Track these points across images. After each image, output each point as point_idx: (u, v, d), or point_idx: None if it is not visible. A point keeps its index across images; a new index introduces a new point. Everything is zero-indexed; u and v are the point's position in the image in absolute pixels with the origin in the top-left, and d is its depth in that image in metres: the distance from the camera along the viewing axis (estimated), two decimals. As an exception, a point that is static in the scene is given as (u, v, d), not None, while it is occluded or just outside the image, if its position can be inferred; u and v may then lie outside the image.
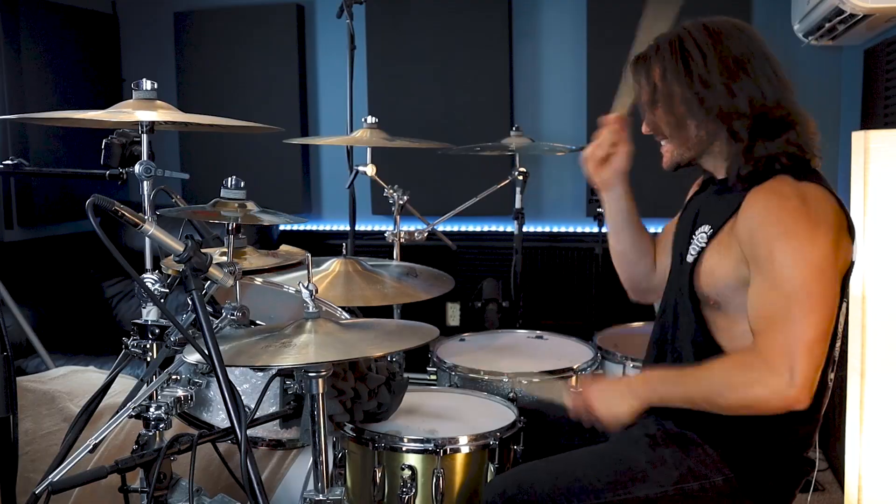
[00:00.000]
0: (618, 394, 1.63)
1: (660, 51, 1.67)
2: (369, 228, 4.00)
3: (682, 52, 1.64)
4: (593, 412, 1.64)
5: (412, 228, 2.62)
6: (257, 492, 1.27)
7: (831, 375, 1.61)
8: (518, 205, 3.07)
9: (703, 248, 1.63)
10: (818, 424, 1.64)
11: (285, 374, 1.70)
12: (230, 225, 1.63)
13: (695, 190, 1.87)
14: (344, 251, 2.24)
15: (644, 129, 1.75)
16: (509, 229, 3.10)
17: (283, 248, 1.91)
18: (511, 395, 2.19)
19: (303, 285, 1.56)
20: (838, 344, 1.60)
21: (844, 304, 1.59)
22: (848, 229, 1.55)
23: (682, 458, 1.61)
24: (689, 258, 1.66)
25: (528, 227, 3.72)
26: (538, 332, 2.61)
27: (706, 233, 1.64)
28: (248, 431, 1.39)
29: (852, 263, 1.57)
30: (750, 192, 1.57)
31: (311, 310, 1.55)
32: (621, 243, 1.95)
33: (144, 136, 1.54)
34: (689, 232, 1.70)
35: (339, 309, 1.93)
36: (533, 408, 2.01)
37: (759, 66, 1.66)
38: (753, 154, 1.59)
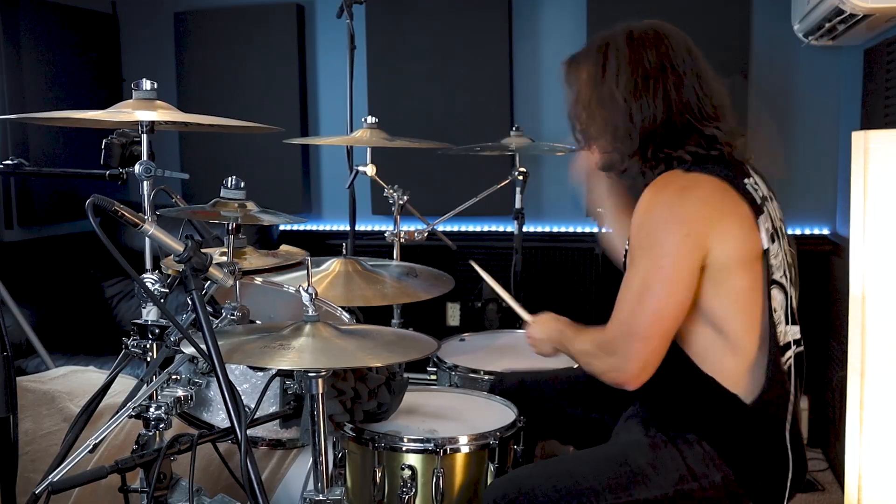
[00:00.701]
0: (549, 339, 1.87)
1: (572, 61, 1.79)
2: (369, 228, 4.00)
3: (604, 60, 1.73)
4: (539, 350, 1.92)
5: (412, 228, 2.62)
6: (257, 492, 1.27)
7: (784, 358, 1.64)
8: (518, 205, 3.07)
9: (626, 253, 1.70)
10: (789, 405, 1.64)
11: (285, 374, 1.70)
12: (230, 225, 1.63)
13: None
14: (344, 251, 2.25)
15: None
16: (509, 229, 3.10)
17: (283, 248, 1.92)
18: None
19: (302, 288, 1.56)
20: (780, 329, 1.63)
21: (773, 289, 1.62)
22: (753, 217, 1.59)
23: (680, 458, 1.61)
24: (623, 267, 1.74)
25: (528, 227, 3.72)
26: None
27: (628, 241, 1.69)
28: (248, 431, 1.39)
29: (765, 251, 1.60)
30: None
31: (310, 313, 1.55)
32: None
33: (144, 136, 1.54)
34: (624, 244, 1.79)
35: (340, 309, 1.93)
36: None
37: (670, 77, 1.67)
38: (651, 160, 1.66)
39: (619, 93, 1.66)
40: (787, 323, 1.65)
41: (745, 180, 1.65)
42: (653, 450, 1.64)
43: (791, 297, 1.67)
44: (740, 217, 1.59)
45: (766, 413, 1.62)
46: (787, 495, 1.66)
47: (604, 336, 1.63)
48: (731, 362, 1.60)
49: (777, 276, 1.63)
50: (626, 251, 1.69)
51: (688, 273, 1.56)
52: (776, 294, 1.63)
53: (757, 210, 1.62)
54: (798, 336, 1.69)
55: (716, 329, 1.59)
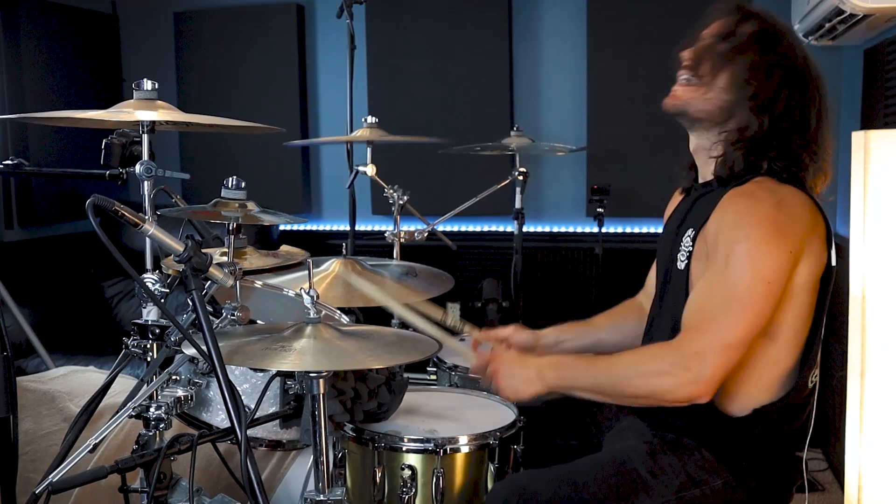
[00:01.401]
0: (526, 378, 1.65)
1: (766, 21, 1.65)
2: (369, 228, 4.00)
3: (787, 50, 1.64)
4: (498, 388, 1.69)
5: (412, 228, 2.62)
6: (257, 492, 1.27)
7: (812, 377, 1.63)
8: (518, 205, 3.07)
9: (690, 252, 1.63)
10: (808, 424, 1.65)
11: (285, 374, 1.70)
12: (230, 225, 1.63)
13: (672, 207, 1.87)
14: (344, 251, 2.24)
15: (686, 55, 1.68)
16: (509, 229, 3.11)
17: (284, 248, 1.91)
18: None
19: (304, 290, 1.56)
20: (819, 348, 1.62)
21: (825, 307, 1.61)
22: (826, 235, 1.58)
23: (680, 465, 1.61)
24: (681, 265, 1.65)
25: (528, 227, 3.72)
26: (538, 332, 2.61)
27: (690, 236, 1.64)
28: (248, 431, 1.39)
29: (829, 267, 1.59)
30: (728, 191, 1.58)
31: (311, 315, 1.55)
32: (606, 346, 1.96)
33: (145, 136, 1.54)
34: (676, 240, 1.69)
35: (338, 311, 1.93)
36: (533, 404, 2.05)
37: (815, 102, 1.70)
38: (747, 152, 1.60)
39: (777, 73, 1.61)
40: (821, 343, 1.65)
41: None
42: (651, 457, 1.63)
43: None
44: (820, 236, 1.58)
45: (785, 422, 1.61)
46: (793, 496, 1.66)
47: (681, 347, 1.51)
48: (764, 362, 1.58)
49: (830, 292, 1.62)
50: (691, 248, 1.62)
51: (781, 291, 1.53)
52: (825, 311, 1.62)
53: (829, 227, 1.61)
54: (819, 359, 1.67)
55: (767, 338, 1.57)
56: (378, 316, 2.20)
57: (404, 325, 2.55)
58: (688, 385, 1.49)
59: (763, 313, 1.52)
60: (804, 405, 1.63)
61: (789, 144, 1.61)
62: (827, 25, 2.77)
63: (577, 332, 1.99)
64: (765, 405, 1.58)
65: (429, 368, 2.44)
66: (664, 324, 1.68)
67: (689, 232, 1.64)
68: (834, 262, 1.60)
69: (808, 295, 1.57)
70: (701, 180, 1.74)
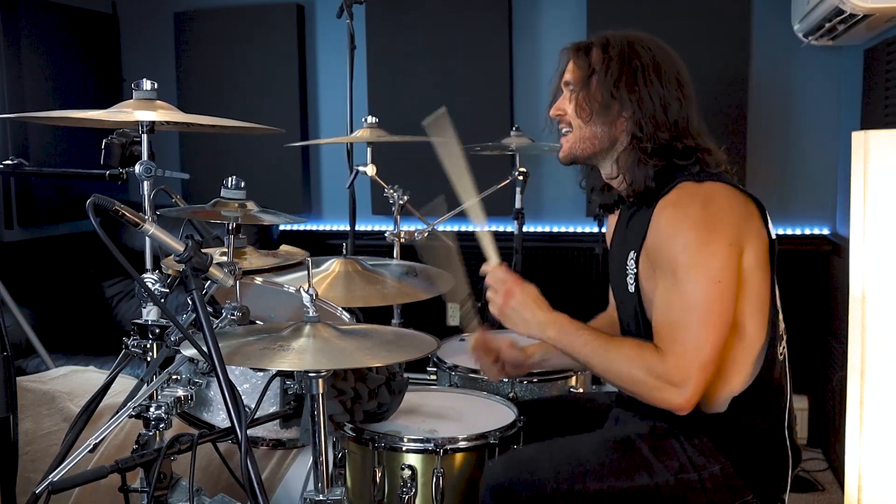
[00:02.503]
0: (529, 319, 1.69)
1: (607, 44, 1.70)
2: (369, 228, 4.00)
3: (630, 52, 1.67)
4: (499, 310, 1.72)
5: (412, 228, 2.62)
6: (257, 492, 1.27)
7: (780, 349, 1.67)
8: (518, 205, 3.07)
9: (636, 274, 1.67)
10: (788, 399, 1.69)
11: (285, 374, 1.70)
12: (230, 225, 1.63)
13: (611, 229, 1.91)
14: (344, 251, 2.24)
15: (552, 111, 1.78)
16: (509, 229, 3.11)
17: (284, 248, 1.91)
18: (511, 395, 2.19)
19: (303, 289, 1.56)
20: (781, 317, 1.67)
21: (775, 278, 1.65)
22: (760, 214, 1.62)
23: (681, 449, 1.63)
24: (631, 288, 1.69)
25: (528, 227, 3.72)
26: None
27: (633, 258, 1.67)
28: (248, 431, 1.39)
29: (772, 241, 1.63)
30: (656, 206, 1.62)
31: (311, 314, 1.55)
32: None
33: (145, 136, 1.54)
34: (622, 264, 1.72)
35: (340, 308, 1.93)
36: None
37: (691, 100, 1.70)
38: (651, 164, 1.64)
39: (654, 87, 1.65)
40: (780, 312, 1.69)
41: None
42: (653, 438, 1.66)
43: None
44: (755, 217, 1.62)
45: (763, 402, 1.65)
46: (789, 485, 1.67)
47: (664, 366, 1.53)
48: (738, 355, 1.61)
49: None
50: (636, 270, 1.66)
51: (735, 283, 1.56)
52: (775, 282, 1.66)
53: (760, 204, 1.64)
54: (783, 325, 1.71)
55: (735, 329, 1.59)
56: (378, 316, 2.20)
57: (405, 325, 2.56)
58: (669, 399, 1.54)
59: (727, 312, 1.55)
60: (779, 379, 1.66)
61: (687, 147, 1.65)
62: (827, 25, 2.77)
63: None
64: (740, 392, 1.62)
65: (429, 368, 2.44)
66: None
67: (631, 255, 1.68)
68: (773, 236, 1.63)
69: (760, 274, 1.60)
70: (626, 199, 1.77)
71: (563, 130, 1.77)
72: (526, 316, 1.70)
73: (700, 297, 1.53)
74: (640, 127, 1.65)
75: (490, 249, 1.82)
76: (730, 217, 1.58)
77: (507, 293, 1.72)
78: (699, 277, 1.53)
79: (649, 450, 1.63)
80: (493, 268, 1.78)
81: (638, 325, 1.70)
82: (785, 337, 1.70)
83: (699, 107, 1.72)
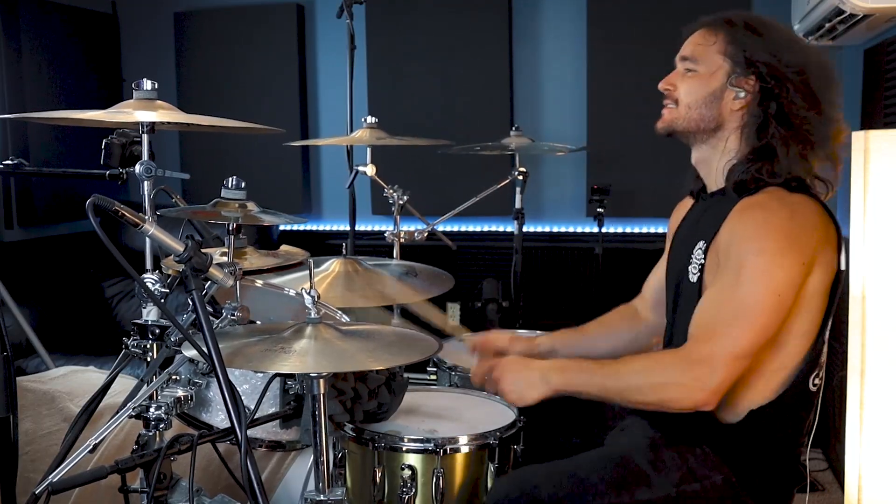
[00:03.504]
0: (530, 381, 1.65)
1: (751, 27, 1.64)
2: (369, 228, 4.00)
3: (774, 41, 1.63)
4: (501, 391, 1.68)
5: (412, 228, 2.62)
6: (257, 492, 1.27)
7: (816, 381, 1.63)
8: (518, 205, 3.07)
9: (702, 265, 1.63)
10: (810, 427, 1.66)
11: (286, 374, 1.70)
12: (230, 225, 1.63)
13: (680, 216, 1.86)
14: (344, 251, 2.24)
15: (661, 84, 1.72)
16: (509, 229, 3.11)
17: (284, 248, 1.91)
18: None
19: (305, 291, 1.56)
20: (824, 350, 1.63)
21: (832, 311, 1.60)
22: (837, 241, 1.58)
23: (681, 460, 1.61)
24: (693, 277, 1.65)
25: (528, 227, 3.72)
26: (538, 332, 2.61)
27: (702, 248, 1.64)
28: (248, 431, 1.39)
29: (839, 272, 1.58)
30: (739, 202, 1.58)
31: (312, 316, 1.55)
32: (598, 353, 1.94)
33: (145, 136, 1.54)
34: (686, 253, 1.69)
35: (339, 311, 1.93)
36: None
37: (832, 103, 1.64)
38: (755, 162, 1.60)
39: (759, 76, 1.60)
40: (826, 344, 1.65)
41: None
42: (653, 451, 1.64)
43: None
44: (832, 243, 1.58)
45: (782, 423, 1.62)
46: (794, 498, 1.67)
47: (690, 355, 1.51)
48: (768, 367, 1.58)
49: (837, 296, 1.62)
50: (703, 260, 1.62)
51: (791, 302, 1.53)
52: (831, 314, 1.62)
53: (840, 232, 1.60)
54: (824, 361, 1.67)
55: (776, 345, 1.57)
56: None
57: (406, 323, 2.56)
58: (695, 393, 1.51)
59: (772, 325, 1.52)
60: (807, 407, 1.63)
61: (793, 146, 1.60)
62: (827, 25, 2.76)
63: (570, 339, 2.02)
64: (759, 406, 1.59)
65: (429, 368, 2.44)
66: (680, 338, 1.66)
67: (701, 244, 1.64)
68: (843, 267, 1.59)
69: (818, 301, 1.57)
70: (708, 190, 1.74)
71: (668, 104, 1.71)
72: (525, 382, 1.66)
73: (755, 303, 1.50)
74: (760, 116, 1.60)
75: (465, 360, 1.87)
76: (811, 235, 1.54)
77: (496, 378, 1.69)
78: (762, 285, 1.50)
79: (648, 464, 1.61)
80: (474, 371, 1.79)
81: (690, 319, 1.63)
82: (823, 368, 1.65)
83: (836, 110, 1.65)
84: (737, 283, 1.52)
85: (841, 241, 1.59)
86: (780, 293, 1.50)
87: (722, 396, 1.52)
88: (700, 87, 1.66)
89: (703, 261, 1.63)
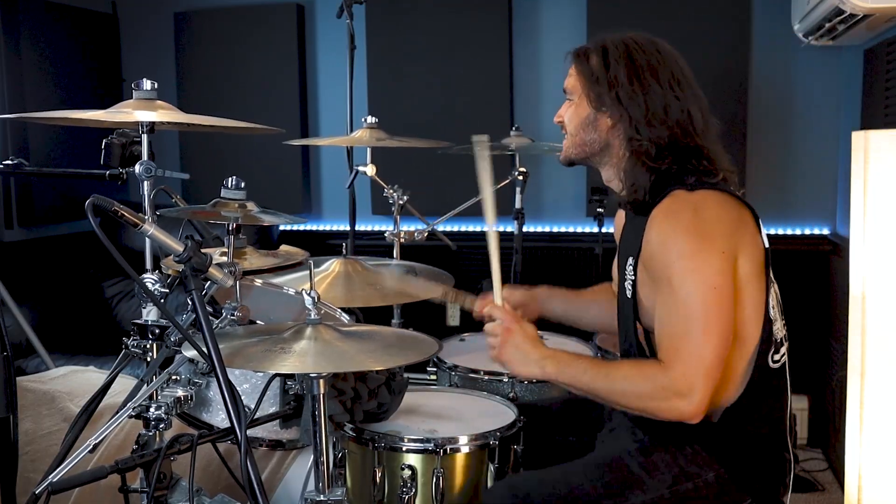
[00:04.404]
0: (527, 359, 1.68)
1: (605, 50, 1.70)
2: (369, 228, 4.00)
3: (626, 56, 1.67)
4: (498, 353, 1.71)
5: (412, 228, 2.62)
6: (257, 492, 1.27)
7: (776, 356, 1.66)
8: (518, 205, 3.07)
9: (634, 281, 1.67)
10: (786, 404, 1.69)
11: (285, 374, 1.70)
12: (230, 225, 1.63)
13: (621, 224, 1.90)
14: (344, 251, 2.24)
15: (555, 118, 1.82)
16: (509, 229, 3.10)
17: (283, 248, 1.91)
18: (511, 395, 2.19)
19: (305, 291, 1.56)
20: (776, 326, 1.66)
21: (773, 287, 1.65)
22: (755, 222, 1.62)
23: (672, 460, 1.62)
24: (628, 293, 1.70)
25: (528, 227, 3.72)
26: (538, 331, 2.61)
27: (631, 264, 1.68)
28: (248, 431, 1.39)
29: (766, 250, 1.63)
30: (651, 213, 1.62)
31: (312, 316, 1.55)
32: (586, 321, 2.10)
33: (144, 137, 1.54)
34: (623, 268, 1.73)
35: (339, 310, 1.93)
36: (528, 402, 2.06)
37: (693, 98, 1.69)
38: (647, 167, 1.64)
39: (650, 90, 1.65)
40: (780, 319, 1.68)
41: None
42: (643, 454, 1.65)
43: (777, 291, 1.69)
44: (749, 225, 1.62)
45: (758, 409, 1.64)
46: (790, 488, 1.67)
47: (668, 376, 1.53)
48: (734, 363, 1.60)
49: (770, 272, 1.65)
50: (634, 276, 1.66)
51: (732, 289, 1.55)
52: (772, 290, 1.66)
53: (755, 213, 1.64)
54: (785, 331, 1.70)
55: (734, 339, 1.58)
56: (378, 316, 2.20)
57: (405, 325, 2.56)
58: (679, 410, 1.53)
59: (726, 317, 1.54)
60: (772, 386, 1.66)
61: (688, 148, 1.64)
62: (827, 25, 2.77)
63: (567, 300, 2.10)
64: (733, 402, 1.61)
65: (429, 368, 2.44)
66: (628, 344, 1.73)
67: (630, 260, 1.68)
68: (767, 245, 1.64)
69: (755, 283, 1.60)
70: (614, 188, 1.79)
71: (564, 134, 1.80)
72: (525, 355, 1.68)
73: (698, 304, 1.52)
74: (637, 129, 1.65)
75: (497, 289, 1.81)
76: (721, 226, 1.57)
77: (506, 331, 1.71)
78: (695, 285, 1.53)
79: (640, 467, 1.62)
80: (494, 307, 1.77)
81: (632, 331, 1.70)
82: (786, 344, 1.69)
83: (704, 104, 1.70)
84: (673, 294, 1.55)
85: (758, 222, 1.63)
86: (714, 286, 1.53)
87: (707, 408, 1.53)
88: (576, 113, 1.75)
89: (633, 276, 1.67)
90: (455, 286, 2.25)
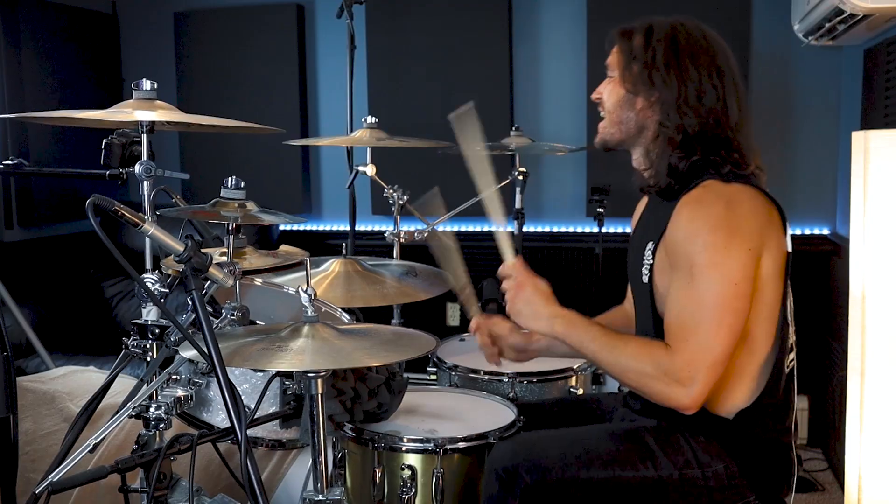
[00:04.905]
0: (538, 313, 1.69)
1: (649, 30, 1.68)
2: (369, 228, 4.00)
3: (668, 38, 1.66)
4: (510, 303, 1.71)
5: (412, 228, 2.62)
6: (257, 492, 1.27)
7: (788, 360, 1.66)
8: (518, 205, 3.07)
9: (651, 265, 1.66)
10: (791, 409, 1.69)
11: (285, 374, 1.70)
12: (230, 225, 1.63)
13: (638, 214, 1.90)
14: (344, 251, 2.24)
15: (594, 95, 1.79)
16: (509, 229, 3.11)
17: (283, 248, 1.91)
18: (511, 394, 2.19)
19: (301, 289, 1.56)
20: (791, 330, 1.66)
21: (790, 292, 1.65)
22: (782, 222, 1.61)
23: (687, 445, 1.63)
24: (644, 278, 1.68)
25: (528, 227, 3.72)
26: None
27: (651, 249, 1.67)
28: (248, 431, 1.39)
29: (789, 254, 1.62)
30: (679, 200, 1.60)
31: (309, 314, 1.55)
32: None
33: (144, 136, 1.54)
34: (639, 253, 1.72)
35: (339, 309, 1.93)
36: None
37: (732, 90, 1.67)
38: (683, 156, 1.62)
39: (687, 76, 1.63)
40: (792, 324, 1.68)
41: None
42: (659, 433, 1.66)
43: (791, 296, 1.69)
44: (777, 226, 1.60)
45: (770, 414, 1.64)
46: (793, 489, 1.67)
47: (673, 362, 1.52)
48: (744, 364, 1.60)
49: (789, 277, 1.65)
50: (652, 261, 1.65)
51: (751, 288, 1.55)
52: (789, 295, 1.65)
53: (783, 214, 1.63)
54: (794, 337, 1.70)
55: (743, 336, 1.58)
56: (378, 316, 2.20)
57: (405, 325, 2.56)
58: (676, 397, 1.53)
59: (740, 314, 1.54)
60: (786, 390, 1.66)
61: (718, 139, 1.63)
62: (827, 25, 2.77)
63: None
64: (747, 406, 1.62)
65: (429, 368, 2.44)
66: (641, 332, 1.73)
67: (650, 245, 1.67)
68: (790, 248, 1.63)
69: (774, 284, 1.59)
70: (644, 174, 1.76)
71: (601, 114, 1.77)
72: (535, 309, 1.69)
73: (715, 297, 1.51)
74: (668, 115, 1.63)
75: (506, 247, 1.83)
76: (752, 222, 1.56)
77: (518, 286, 1.71)
78: (716, 278, 1.52)
79: (656, 442, 1.63)
80: (508, 265, 1.77)
81: (648, 318, 1.69)
82: (795, 349, 1.69)
83: (743, 98, 1.68)
84: (693, 283, 1.54)
85: (785, 225, 1.62)
86: (735, 282, 1.52)
87: (702, 403, 1.53)
88: (613, 91, 1.73)
89: (651, 261, 1.66)
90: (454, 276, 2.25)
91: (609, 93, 1.73)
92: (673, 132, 1.62)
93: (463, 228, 4.00)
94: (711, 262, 1.52)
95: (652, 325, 1.68)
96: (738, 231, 1.54)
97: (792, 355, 1.68)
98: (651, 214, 1.77)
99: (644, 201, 1.89)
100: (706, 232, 1.54)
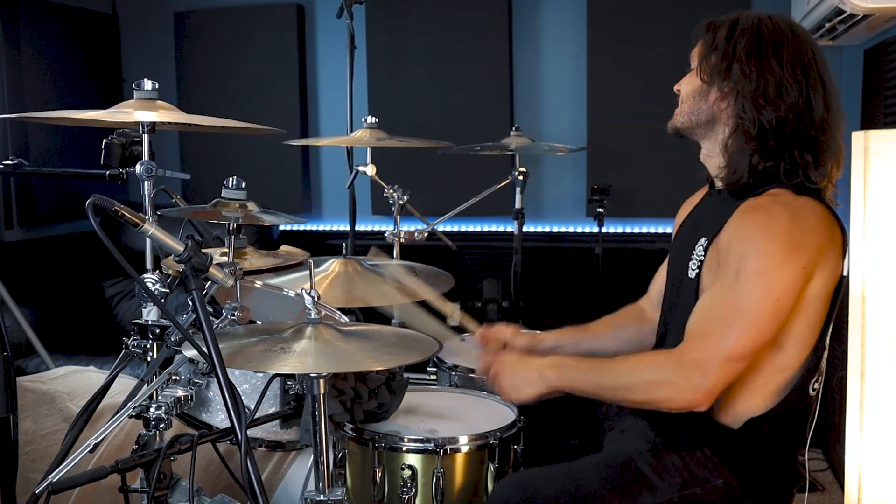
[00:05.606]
0: (527, 379, 1.68)
1: (735, 23, 1.65)
2: (369, 228, 4.00)
3: (751, 32, 1.62)
4: (500, 390, 1.71)
5: (412, 228, 2.62)
6: (257, 492, 1.27)
7: (815, 384, 1.63)
8: (518, 205, 3.07)
9: (702, 262, 1.62)
10: (809, 429, 1.65)
11: (286, 374, 1.70)
12: (231, 225, 1.63)
13: (686, 211, 1.87)
14: (344, 251, 2.24)
15: (675, 87, 1.76)
16: (509, 229, 3.11)
17: (284, 248, 1.91)
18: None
19: (305, 291, 1.56)
20: (824, 356, 1.63)
21: (833, 315, 1.60)
22: (843, 246, 1.57)
23: (683, 463, 1.61)
24: (692, 273, 1.65)
25: (528, 227, 3.72)
26: (538, 332, 2.61)
27: (703, 245, 1.63)
28: (248, 431, 1.39)
29: (842, 277, 1.57)
30: (744, 202, 1.57)
31: (312, 316, 1.55)
32: (603, 352, 1.93)
33: (145, 136, 1.54)
34: (689, 247, 1.68)
35: (339, 312, 1.93)
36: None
37: (818, 87, 1.65)
38: (761, 154, 1.59)
39: (782, 64, 1.60)
40: (826, 350, 1.64)
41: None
42: (654, 455, 1.63)
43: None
44: (836, 248, 1.56)
45: (782, 429, 1.61)
46: (805, 492, 1.66)
47: (690, 354, 1.51)
48: (767, 372, 1.58)
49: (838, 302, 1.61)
50: (703, 257, 1.61)
51: (790, 306, 1.52)
52: (832, 320, 1.61)
53: (846, 236, 1.59)
54: (823, 368, 1.67)
55: (776, 348, 1.56)
56: (378, 316, 2.20)
57: (404, 324, 2.56)
58: (687, 394, 1.51)
59: (769, 329, 1.51)
60: (805, 411, 1.63)
61: (798, 136, 1.58)
62: (827, 25, 2.77)
63: (575, 337, 2.01)
64: (758, 415, 1.59)
65: (429, 368, 2.44)
66: (676, 334, 1.66)
67: (702, 241, 1.64)
68: (846, 272, 1.58)
69: (819, 306, 1.56)
70: (715, 186, 1.74)
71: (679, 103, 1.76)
72: (523, 376, 1.69)
73: (753, 306, 1.49)
74: (743, 107, 1.59)
75: (468, 321, 1.90)
76: (814, 240, 1.52)
77: (495, 374, 1.72)
78: (760, 288, 1.49)
79: (650, 468, 1.61)
80: (478, 372, 1.77)
81: (687, 315, 1.62)
82: (823, 376, 1.65)
83: (832, 96, 1.65)
84: (735, 285, 1.51)
85: (847, 246, 1.57)
86: (778, 297, 1.49)
87: (715, 398, 1.52)
88: (690, 82, 1.71)
89: (702, 257, 1.62)
90: (455, 286, 2.25)
91: (687, 83, 1.72)
92: (749, 125, 1.59)
93: (463, 228, 4.00)
94: (760, 271, 1.49)
95: (682, 325, 1.64)
96: (797, 247, 1.50)
97: (820, 379, 1.63)
98: (708, 210, 1.72)
99: (695, 197, 1.86)
100: (764, 239, 1.51)
